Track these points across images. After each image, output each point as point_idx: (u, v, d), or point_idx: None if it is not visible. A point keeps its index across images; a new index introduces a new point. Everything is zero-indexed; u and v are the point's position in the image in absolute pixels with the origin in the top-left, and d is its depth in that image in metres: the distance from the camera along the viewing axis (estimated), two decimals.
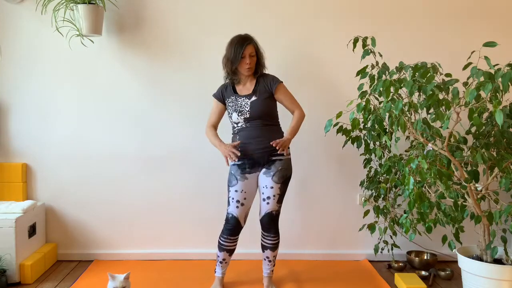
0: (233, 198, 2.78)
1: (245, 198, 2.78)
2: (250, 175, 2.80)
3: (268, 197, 2.78)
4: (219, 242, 2.86)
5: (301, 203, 3.51)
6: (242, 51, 2.72)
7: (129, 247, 3.47)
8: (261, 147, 2.76)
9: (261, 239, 2.90)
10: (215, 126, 2.91)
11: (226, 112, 2.91)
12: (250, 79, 2.84)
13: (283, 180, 2.80)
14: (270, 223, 2.82)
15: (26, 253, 3.10)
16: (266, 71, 2.90)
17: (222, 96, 2.87)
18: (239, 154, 2.67)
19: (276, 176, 2.77)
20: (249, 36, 2.78)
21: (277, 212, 2.82)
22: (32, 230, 3.19)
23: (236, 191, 2.77)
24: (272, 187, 2.77)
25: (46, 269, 3.24)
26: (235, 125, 2.83)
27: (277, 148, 2.68)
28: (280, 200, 2.81)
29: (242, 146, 2.77)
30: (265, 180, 2.78)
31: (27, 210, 3.11)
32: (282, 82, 2.85)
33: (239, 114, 2.77)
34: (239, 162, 2.78)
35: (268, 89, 2.81)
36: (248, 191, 2.79)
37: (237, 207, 2.77)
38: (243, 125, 2.79)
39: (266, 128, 2.79)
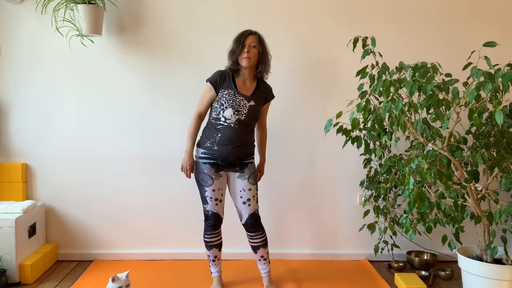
0: (211, 198, 2.79)
1: (221, 195, 2.83)
2: (223, 172, 2.83)
3: (249, 199, 2.81)
4: (205, 241, 2.88)
5: (301, 203, 3.50)
6: (243, 40, 2.71)
7: (129, 247, 3.47)
8: (237, 152, 2.77)
9: (250, 241, 2.89)
10: (202, 115, 2.82)
11: (216, 102, 2.76)
12: (251, 79, 2.81)
13: (256, 181, 2.89)
14: (255, 222, 2.84)
15: (26, 253, 3.10)
16: (268, 77, 2.87)
17: (218, 84, 2.74)
18: (189, 178, 2.84)
19: (252, 178, 2.83)
20: (256, 31, 2.78)
21: (258, 211, 2.88)
22: (32, 230, 3.19)
23: (213, 190, 2.78)
24: (250, 189, 2.81)
25: (46, 269, 3.24)
26: (222, 120, 2.72)
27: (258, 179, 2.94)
28: (257, 200, 2.88)
29: (219, 146, 2.75)
30: (241, 184, 2.80)
31: (27, 210, 3.11)
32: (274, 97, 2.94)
33: (236, 112, 2.71)
34: (212, 162, 2.77)
35: (265, 98, 2.85)
36: (223, 187, 2.84)
37: (216, 204, 2.82)
38: (231, 125, 2.73)
39: (247, 135, 2.81)
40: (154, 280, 3.08)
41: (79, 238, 3.46)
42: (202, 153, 2.79)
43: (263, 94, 2.83)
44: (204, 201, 2.81)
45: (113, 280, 2.43)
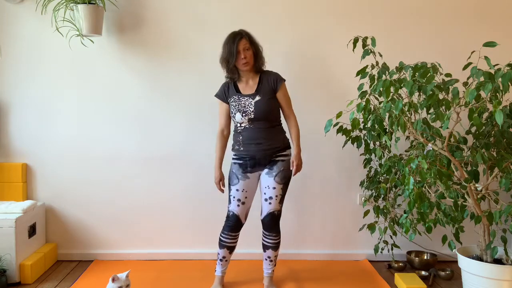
0: (234, 197, 2.79)
1: (246, 197, 2.80)
2: (252, 174, 2.80)
3: (271, 197, 2.78)
4: (220, 238, 2.87)
5: (301, 203, 3.51)
6: (236, 47, 2.69)
7: (129, 247, 3.47)
8: (263, 148, 2.76)
9: (263, 239, 2.90)
10: (224, 130, 2.88)
11: (229, 112, 2.86)
12: (252, 76, 2.81)
13: (285, 181, 2.81)
14: (272, 223, 2.82)
15: (26, 253, 3.10)
16: (267, 68, 2.87)
17: (225, 95, 2.83)
18: (222, 192, 2.87)
19: (279, 177, 2.78)
20: (241, 31, 2.76)
21: (279, 212, 2.83)
22: (32, 230, 3.19)
23: (237, 190, 2.78)
24: (274, 188, 2.77)
25: (46, 269, 3.24)
26: (238, 125, 2.80)
27: (298, 171, 2.83)
28: (281, 200, 2.82)
29: (244, 146, 2.79)
30: (268, 180, 2.78)
31: (27, 210, 3.11)
32: (285, 80, 2.84)
33: (243, 114, 2.74)
34: (241, 161, 2.79)
35: (272, 87, 2.78)
36: (249, 190, 2.81)
37: (238, 205, 2.80)
38: (247, 125, 2.77)
39: (269, 129, 2.78)
40: (154, 280, 3.08)
41: (79, 238, 3.46)
42: (233, 155, 2.85)
43: (268, 85, 2.78)
44: (229, 200, 2.83)
45: (113, 280, 2.43)
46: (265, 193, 2.80)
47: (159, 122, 3.41)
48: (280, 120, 2.88)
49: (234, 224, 2.82)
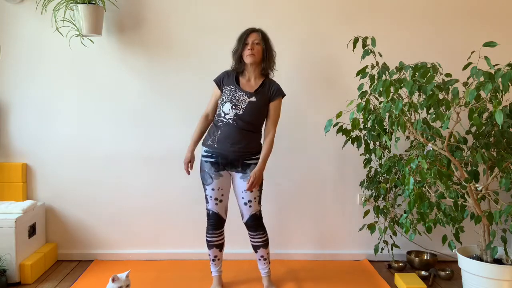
0: (211, 197, 2.80)
1: (222, 195, 2.81)
2: (224, 172, 2.79)
3: (250, 201, 2.78)
4: (206, 240, 2.88)
5: (301, 203, 3.51)
6: (244, 38, 2.72)
7: (129, 247, 3.47)
8: (237, 150, 2.72)
9: (251, 241, 2.89)
10: (209, 115, 2.84)
11: (219, 100, 2.79)
12: (256, 76, 2.79)
13: (260, 182, 2.79)
14: (256, 223, 2.83)
15: (26, 253, 3.10)
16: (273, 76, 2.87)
17: (221, 82, 2.80)
18: (188, 174, 2.84)
19: None
20: (258, 28, 2.78)
21: (260, 212, 2.84)
22: (32, 230, 3.19)
23: (213, 189, 2.78)
24: (251, 191, 2.76)
25: (46, 269, 3.24)
26: (223, 115, 2.73)
27: (252, 187, 2.71)
28: (259, 201, 2.83)
29: (219, 144, 2.73)
30: (243, 185, 2.75)
31: (27, 210, 3.11)
32: (283, 96, 2.82)
33: (233, 107, 2.71)
34: (213, 160, 2.76)
35: (269, 95, 2.76)
36: (224, 187, 2.81)
37: (216, 204, 2.81)
38: (230, 121, 2.72)
39: (249, 133, 2.74)
40: (154, 280, 3.08)
41: (79, 238, 3.46)
42: (204, 151, 2.80)
43: (267, 92, 2.76)
44: (206, 199, 2.83)
45: (113, 280, 2.43)
46: (243, 198, 2.78)
47: (159, 121, 3.41)
48: (261, 130, 2.83)
49: (216, 222, 2.84)
